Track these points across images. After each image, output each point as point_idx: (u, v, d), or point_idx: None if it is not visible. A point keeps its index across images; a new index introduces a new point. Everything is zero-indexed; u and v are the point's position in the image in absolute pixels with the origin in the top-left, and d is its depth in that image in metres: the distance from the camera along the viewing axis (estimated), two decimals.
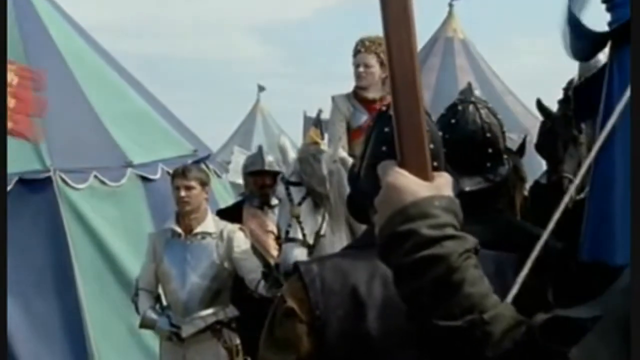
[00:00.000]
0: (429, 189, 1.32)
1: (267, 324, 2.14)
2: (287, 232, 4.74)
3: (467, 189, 2.85)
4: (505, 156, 3.20)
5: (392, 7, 1.32)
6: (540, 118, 6.78)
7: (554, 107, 6.39)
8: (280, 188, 4.90)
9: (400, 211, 1.29)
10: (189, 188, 5.35)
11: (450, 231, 1.29)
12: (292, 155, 4.91)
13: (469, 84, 10.18)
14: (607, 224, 3.04)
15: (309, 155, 4.83)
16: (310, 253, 4.73)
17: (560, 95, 6.82)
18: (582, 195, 6.05)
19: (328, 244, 4.86)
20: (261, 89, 22.69)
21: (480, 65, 15.75)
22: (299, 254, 4.65)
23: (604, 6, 3.26)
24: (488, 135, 3.12)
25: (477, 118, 3.14)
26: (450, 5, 16.23)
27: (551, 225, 2.21)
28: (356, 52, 5.81)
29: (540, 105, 6.26)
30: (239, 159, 15.07)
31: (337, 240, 4.88)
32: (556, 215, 2.21)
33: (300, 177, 4.77)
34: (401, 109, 1.33)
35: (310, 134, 12.79)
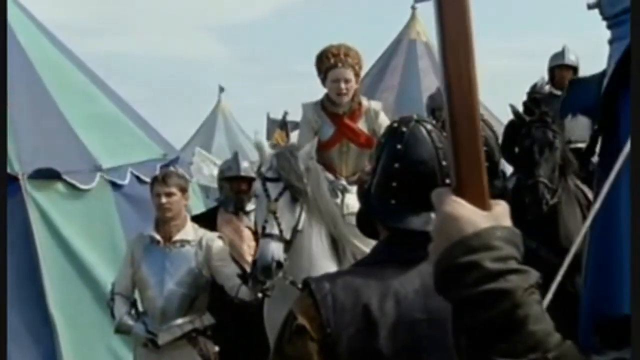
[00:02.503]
0: (489, 219, 1.27)
1: (276, 340, 2.12)
2: (264, 228, 4.76)
3: None
4: (500, 169, 3.19)
5: (450, 31, 1.27)
6: (503, 122, 6.85)
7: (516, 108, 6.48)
8: (257, 184, 4.93)
9: (460, 242, 1.24)
10: (169, 194, 5.30)
11: (514, 265, 1.25)
12: (269, 151, 4.93)
13: (438, 89, 10.26)
14: (610, 274, 3.02)
15: (286, 151, 4.89)
16: (287, 248, 4.76)
17: (521, 97, 6.93)
18: (555, 200, 6.15)
19: (306, 239, 4.90)
20: (222, 89, 22.62)
21: None
22: (276, 248, 4.69)
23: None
24: (485, 148, 3.10)
25: None
26: (413, 8, 16.31)
27: (574, 247, 2.19)
28: (331, 66, 5.66)
29: (515, 112, 6.32)
30: (200, 160, 15.00)
31: (315, 235, 4.91)
32: (578, 239, 2.20)
33: (277, 172, 4.80)
34: (460, 137, 1.29)
35: (275, 136, 12.77)
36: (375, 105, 5.96)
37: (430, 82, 14.96)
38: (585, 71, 8.49)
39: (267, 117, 15.31)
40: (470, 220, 1.26)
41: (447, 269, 1.26)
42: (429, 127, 2.21)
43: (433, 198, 1.34)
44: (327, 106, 5.77)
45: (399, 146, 2.17)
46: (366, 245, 5.13)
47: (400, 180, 2.15)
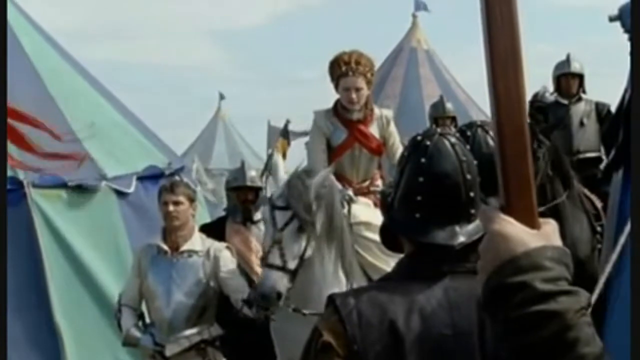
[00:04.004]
0: (539, 238, 1.25)
1: (301, 357, 2.09)
2: (266, 258, 4.75)
3: None
4: None
5: (499, 46, 1.25)
6: None
7: None
8: (266, 209, 4.90)
9: (510, 262, 1.23)
10: (177, 203, 5.29)
11: (564, 286, 1.24)
12: (283, 176, 4.90)
13: (441, 97, 10.25)
14: None
15: (298, 181, 4.84)
16: (292, 278, 4.73)
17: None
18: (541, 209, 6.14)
19: (316, 266, 4.88)
20: (222, 97, 22.62)
21: (444, 76, 15.87)
22: (277, 279, 4.66)
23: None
24: None
25: (489, 140, 3.12)
26: (414, 16, 16.36)
27: (614, 256, 2.18)
28: (342, 74, 5.66)
29: None
30: (199, 167, 14.96)
31: (325, 263, 4.90)
32: (614, 256, 2.19)
33: (287, 201, 4.78)
34: (508, 155, 1.27)
35: (277, 145, 12.74)
36: (387, 112, 5.98)
37: (431, 89, 15.00)
38: None
39: (268, 125, 15.27)
40: (520, 240, 1.25)
41: (496, 289, 1.25)
42: (453, 140, 2.19)
43: (480, 216, 1.34)
44: (340, 112, 5.77)
45: (423, 160, 2.15)
46: (375, 259, 5.12)
47: (425, 194, 2.14)
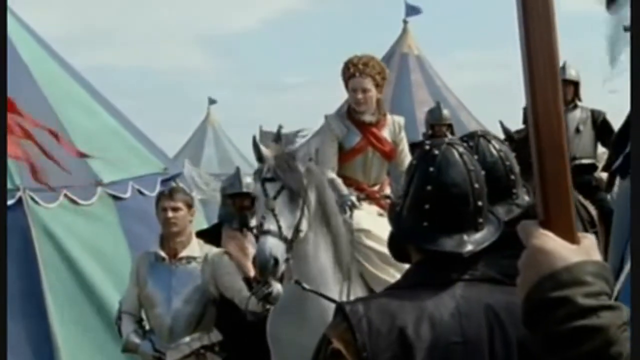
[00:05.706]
0: (579, 253, 1.27)
1: None
2: (262, 225, 4.67)
3: (506, 218, 2.80)
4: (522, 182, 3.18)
5: (538, 64, 1.27)
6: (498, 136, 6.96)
7: (512, 118, 6.53)
8: (257, 186, 4.86)
9: (550, 276, 1.25)
10: (175, 209, 5.29)
11: (606, 301, 1.24)
12: (267, 152, 4.89)
13: (438, 103, 10.26)
14: None
15: (285, 154, 4.85)
16: (289, 247, 4.65)
17: (515, 108, 6.98)
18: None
19: (311, 246, 4.86)
20: (212, 102, 22.62)
21: (434, 81, 15.89)
22: (274, 245, 4.56)
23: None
24: (507, 163, 3.11)
25: (492, 149, 3.13)
26: (405, 21, 16.41)
27: (627, 266, 2.21)
28: (350, 76, 5.71)
29: (503, 127, 6.36)
30: (189, 172, 14.98)
31: (321, 244, 4.90)
32: (627, 267, 2.22)
33: (275, 172, 4.74)
34: (547, 170, 1.28)
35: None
36: (399, 119, 6.02)
37: (422, 95, 15.03)
38: None
39: (260, 130, 15.23)
40: (561, 255, 1.26)
41: (537, 303, 1.26)
42: (461, 149, 2.21)
43: (519, 231, 1.33)
44: (353, 115, 5.80)
45: (431, 169, 2.17)
46: (375, 267, 5.12)
47: (433, 202, 2.16)
